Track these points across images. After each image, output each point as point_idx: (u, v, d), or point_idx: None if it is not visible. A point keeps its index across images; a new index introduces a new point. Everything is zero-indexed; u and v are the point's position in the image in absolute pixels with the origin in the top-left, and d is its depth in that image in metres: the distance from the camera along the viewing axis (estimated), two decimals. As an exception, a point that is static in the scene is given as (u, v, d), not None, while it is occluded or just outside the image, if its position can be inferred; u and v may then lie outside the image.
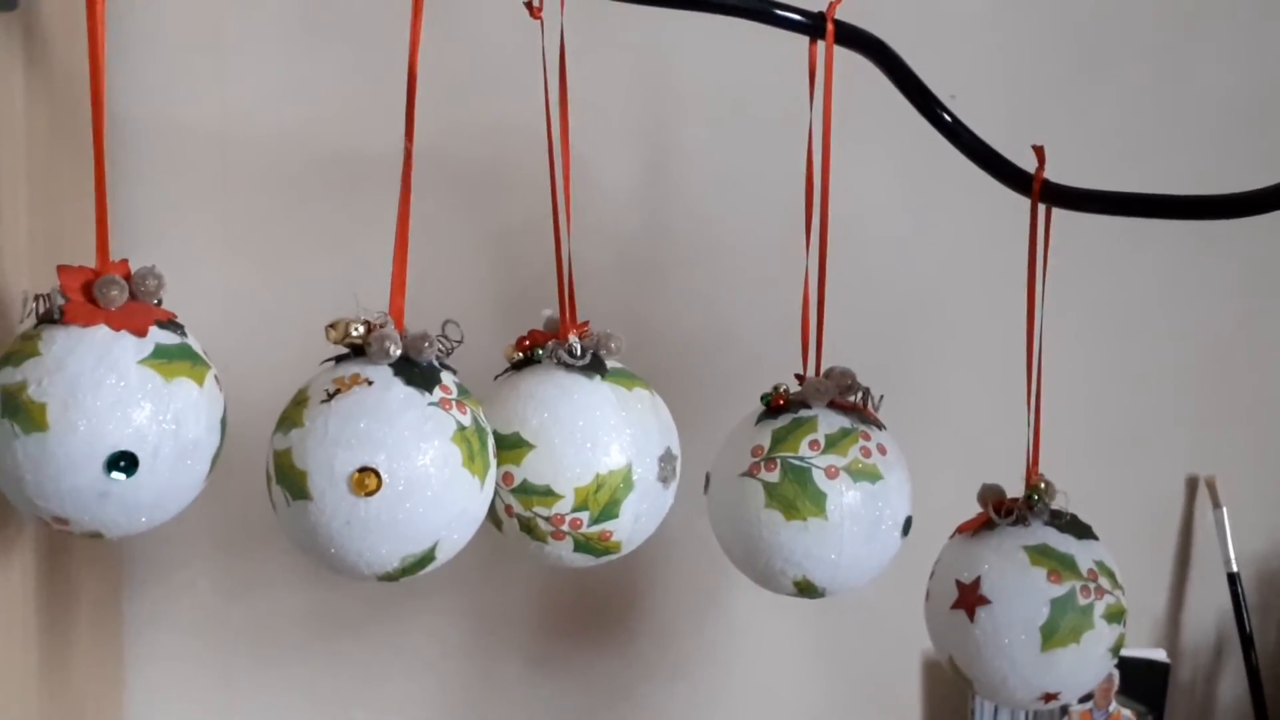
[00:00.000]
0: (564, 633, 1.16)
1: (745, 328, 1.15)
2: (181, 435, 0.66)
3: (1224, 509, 1.25)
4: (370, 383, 0.69)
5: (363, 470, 0.66)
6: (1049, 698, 0.83)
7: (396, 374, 0.69)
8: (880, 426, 0.85)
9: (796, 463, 0.81)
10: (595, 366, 0.79)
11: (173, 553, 1.06)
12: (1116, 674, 1.22)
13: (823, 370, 0.87)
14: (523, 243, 1.06)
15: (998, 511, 0.85)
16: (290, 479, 0.68)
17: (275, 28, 1.05)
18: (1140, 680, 1.23)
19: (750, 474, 0.82)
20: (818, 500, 0.81)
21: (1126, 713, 1.22)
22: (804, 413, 0.84)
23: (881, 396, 0.86)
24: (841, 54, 0.86)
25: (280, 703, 1.10)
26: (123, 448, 0.64)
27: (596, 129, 0.99)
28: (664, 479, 0.79)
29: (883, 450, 0.83)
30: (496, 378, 0.81)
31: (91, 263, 0.67)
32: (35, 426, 0.63)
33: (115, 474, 0.64)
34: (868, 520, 0.81)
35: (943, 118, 0.88)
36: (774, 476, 0.82)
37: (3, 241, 0.78)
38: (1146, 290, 1.26)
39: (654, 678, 1.18)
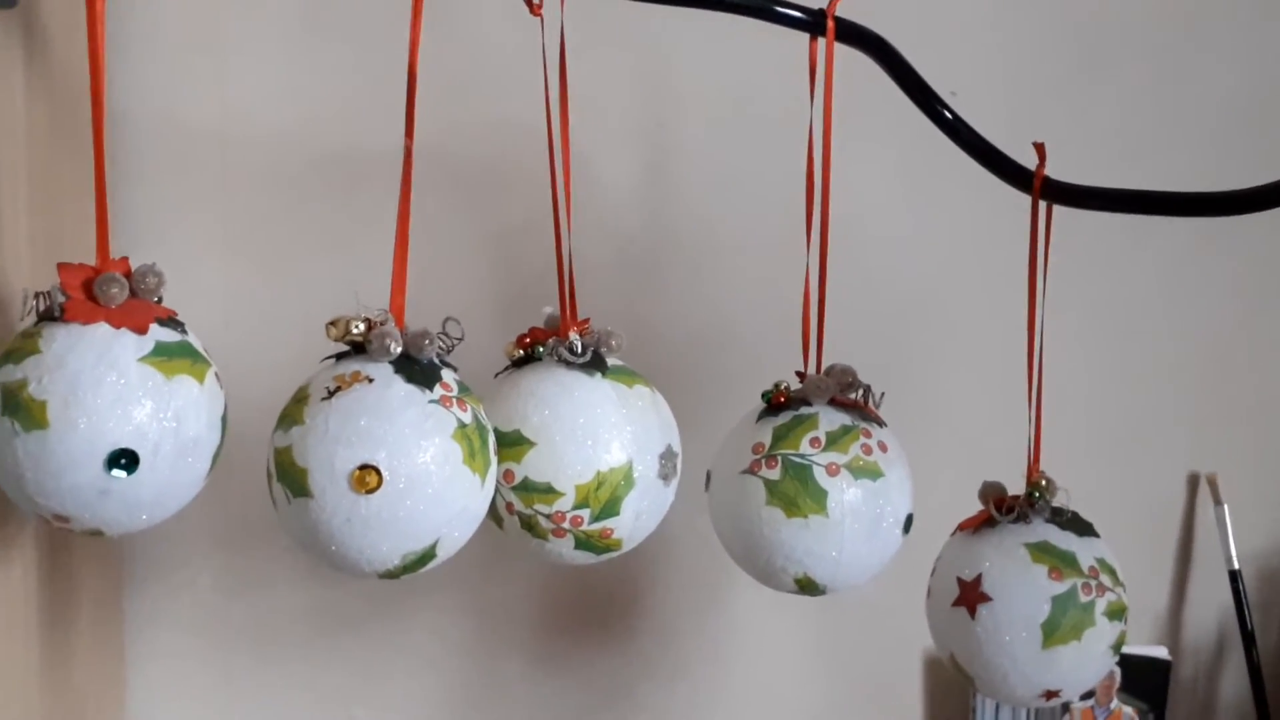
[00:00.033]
0: (565, 630, 1.16)
1: (746, 325, 1.15)
2: (182, 433, 0.66)
3: (1225, 506, 1.25)
4: (371, 380, 0.69)
5: (363, 468, 0.66)
6: (1050, 695, 0.83)
7: (397, 371, 0.69)
8: (881, 424, 0.85)
9: (797, 460, 0.81)
10: (596, 364, 0.79)
11: (173, 550, 1.06)
12: (1118, 671, 1.22)
13: (823, 368, 0.87)
14: (523, 241, 1.06)
15: (999, 509, 0.85)
16: (291, 476, 0.68)
17: (275, 27, 1.06)
18: (1141, 678, 1.23)
19: (751, 471, 0.82)
20: (819, 497, 0.81)
21: (1128, 710, 1.22)
22: (805, 410, 0.84)
23: (882, 394, 0.86)
24: (842, 52, 0.86)
25: (281, 700, 1.10)
26: (123, 445, 0.64)
27: (597, 127, 0.99)
28: (665, 476, 0.79)
29: (884, 447, 0.83)
30: (497, 375, 0.81)
31: (92, 261, 0.67)
32: (36, 424, 0.63)
33: (116, 472, 0.64)
34: (869, 518, 0.81)
35: (943, 115, 0.88)
36: (775, 474, 0.82)
37: (3, 240, 0.78)
38: (1147, 288, 1.26)
39: (655, 675, 1.18)
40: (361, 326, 0.70)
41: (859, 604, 1.08)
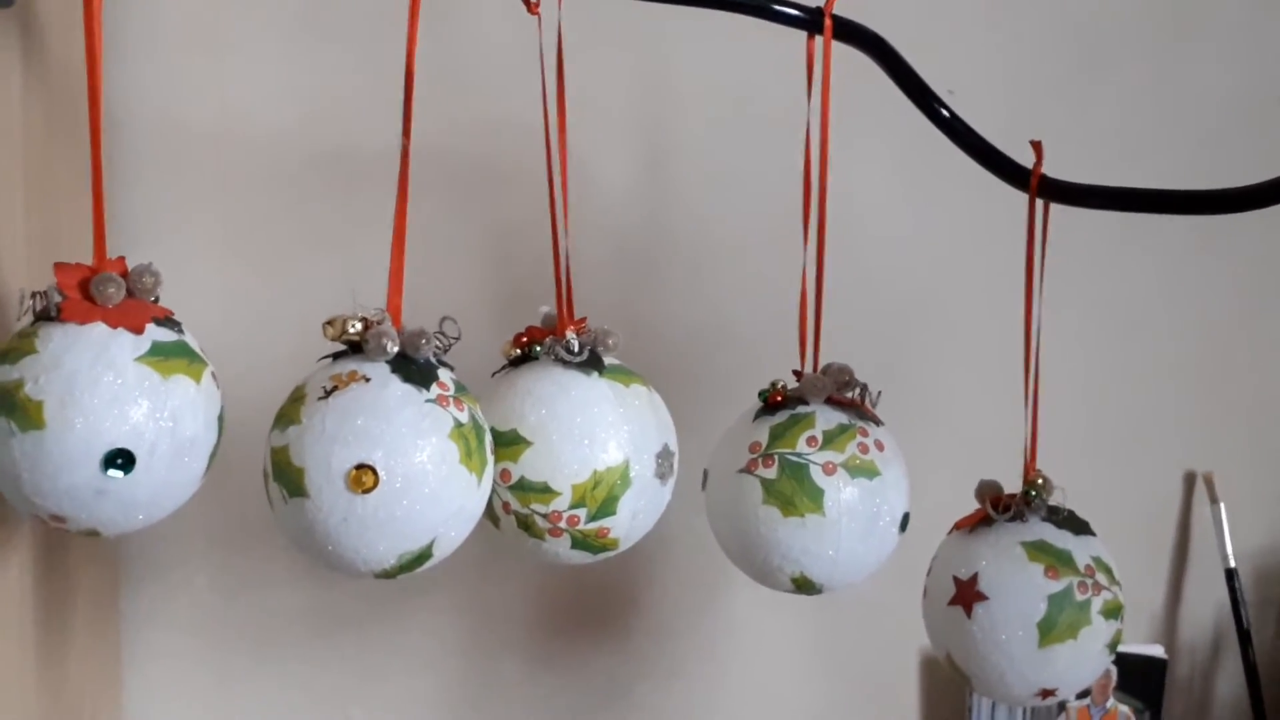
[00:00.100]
0: (562, 630, 1.16)
1: (743, 324, 1.15)
2: (179, 433, 0.66)
3: (1221, 504, 1.25)
4: (368, 380, 0.69)
5: (360, 467, 0.66)
6: (1046, 694, 0.83)
7: (394, 371, 0.69)
8: (878, 422, 0.85)
9: (794, 459, 0.81)
10: (593, 363, 0.79)
11: (170, 550, 1.06)
12: (1114, 670, 1.22)
13: (820, 366, 0.87)
14: (520, 239, 1.06)
15: (995, 507, 0.85)
16: (287, 476, 0.68)
17: (273, 27, 1.05)
18: (1138, 676, 1.23)
19: (748, 470, 0.82)
20: (815, 496, 0.81)
21: (1124, 709, 1.22)
22: (801, 409, 0.84)
23: (879, 393, 0.86)
24: (840, 50, 0.86)
25: (278, 700, 1.10)
26: (120, 445, 0.64)
27: (595, 126, 0.99)
28: (661, 476, 0.79)
29: (880, 446, 0.83)
30: (494, 374, 0.81)
31: (88, 260, 0.67)
32: (32, 424, 0.63)
33: (112, 472, 0.64)
34: (865, 516, 0.81)
35: (941, 113, 0.88)
36: (771, 473, 0.82)
37: (0, 239, 0.78)
38: (1144, 287, 1.26)
39: (652, 675, 1.18)
40: (358, 326, 0.70)
41: (855, 603, 1.08)
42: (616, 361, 0.81)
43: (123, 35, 0.99)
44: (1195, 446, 1.29)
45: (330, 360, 0.72)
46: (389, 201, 0.71)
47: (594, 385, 0.78)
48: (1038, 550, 0.83)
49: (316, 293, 0.84)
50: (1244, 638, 1.23)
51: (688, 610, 1.18)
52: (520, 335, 0.81)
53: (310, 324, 0.72)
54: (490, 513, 0.77)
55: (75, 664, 0.94)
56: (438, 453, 0.68)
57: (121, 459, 0.64)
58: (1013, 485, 0.87)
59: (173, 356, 0.66)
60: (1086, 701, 1.22)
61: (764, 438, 0.83)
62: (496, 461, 0.75)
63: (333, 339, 0.71)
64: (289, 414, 0.69)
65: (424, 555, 0.70)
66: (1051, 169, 0.86)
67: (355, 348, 0.71)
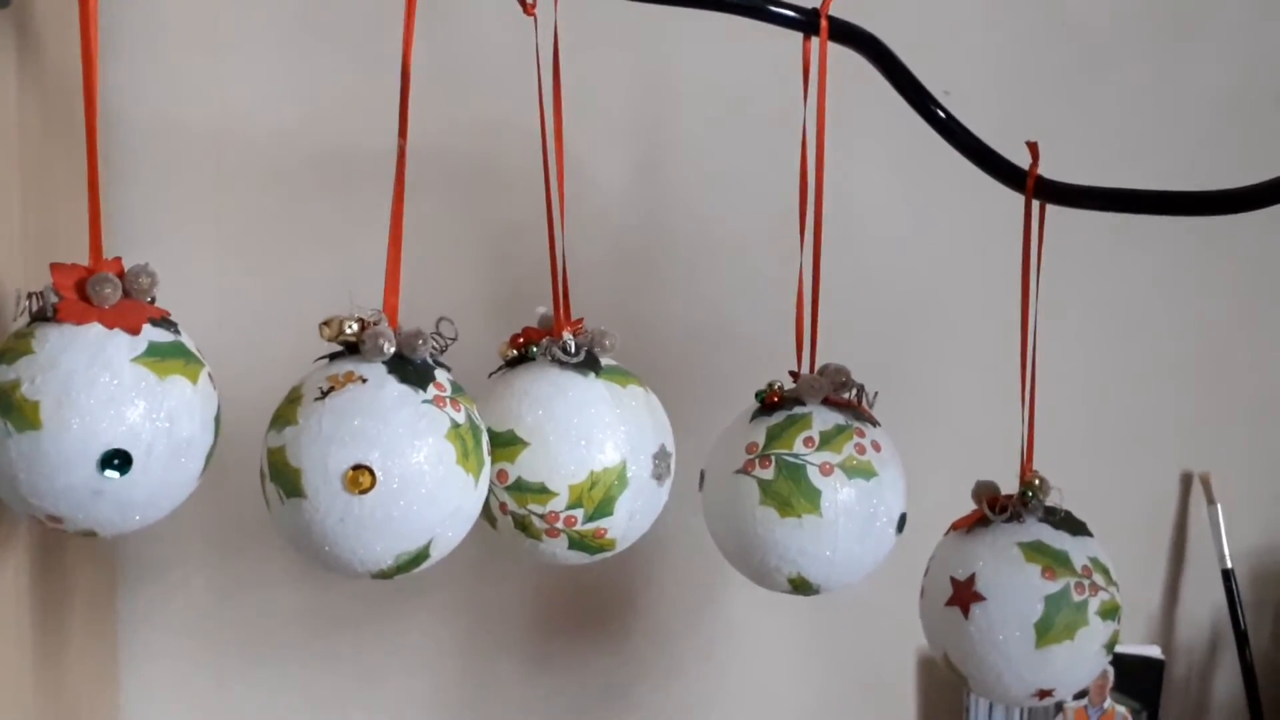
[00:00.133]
0: (559, 631, 1.16)
1: (740, 325, 1.15)
2: (175, 433, 0.66)
3: (1218, 505, 1.25)
4: (364, 380, 0.69)
5: (357, 468, 0.66)
6: (1043, 694, 0.83)
7: (390, 371, 0.69)
8: (875, 423, 0.85)
9: (791, 460, 0.81)
10: (590, 364, 0.79)
11: (167, 551, 1.06)
12: (1111, 671, 1.22)
13: (817, 367, 0.87)
14: (517, 240, 1.06)
15: (992, 508, 0.85)
16: (284, 477, 0.68)
17: (271, 26, 1.05)
18: (1135, 677, 1.23)
19: (745, 471, 0.82)
20: (812, 497, 0.81)
21: (1121, 709, 1.22)
22: (798, 410, 0.84)
23: (876, 393, 0.86)
24: (837, 51, 0.86)
25: (275, 701, 1.10)
26: (116, 446, 0.64)
27: (591, 126, 0.99)
28: (658, 476, 0.79)
29: (877, 447, 0.83)
30: (491, 375, 0.81)
31: (85, 261, 0.67)
32: (28, 425, 0.63)
33: (109, 472, 0.64)
34: (862, 517, 0.81)
35: (937, 114, 0.88)
36: (768, 473, 0.82)
37: (-4, 240, 0.78)
38: (1143, 287, 1.26)
39: (649, 676, 1.18)
40: (355, 326, 0.70)
41: (853, 604, 1.08)
42: (613, 362, 0.81)
43: (120, 34, 0.99)
44: (1192, 447, 1.29)
45: (327, 361, 0.72)
46: (386, 202, 0.71)
47: (591, 386, 0.78)
48: (1035, 551, 0.83)
49: (313, 293, 0.84)
50: (1241, 638, 1.23)
51: (685, 611, 1.18)
52: (517, 336, 0.81)
53: (307, 324, 0.72)
54: (487, 513, 0.77)
55: (72, 665, 0.94)
56: (434, 453, 0.68)
57: (118, 459, 0.64)
58: (1010, 486, 0.87)
59: (169, 357, 0.66)
60: (1084, 702, 1.22)
61: (761, 438, 0.83)
62: (494, 462, 0.75)
63: (329, 339, 0.71)
64: (286, 414, 0.69)
65: (421, 556, 0.70)
66: (1050, 169, 0.86)
67: (352, 348, 0.71)
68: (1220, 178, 0.80)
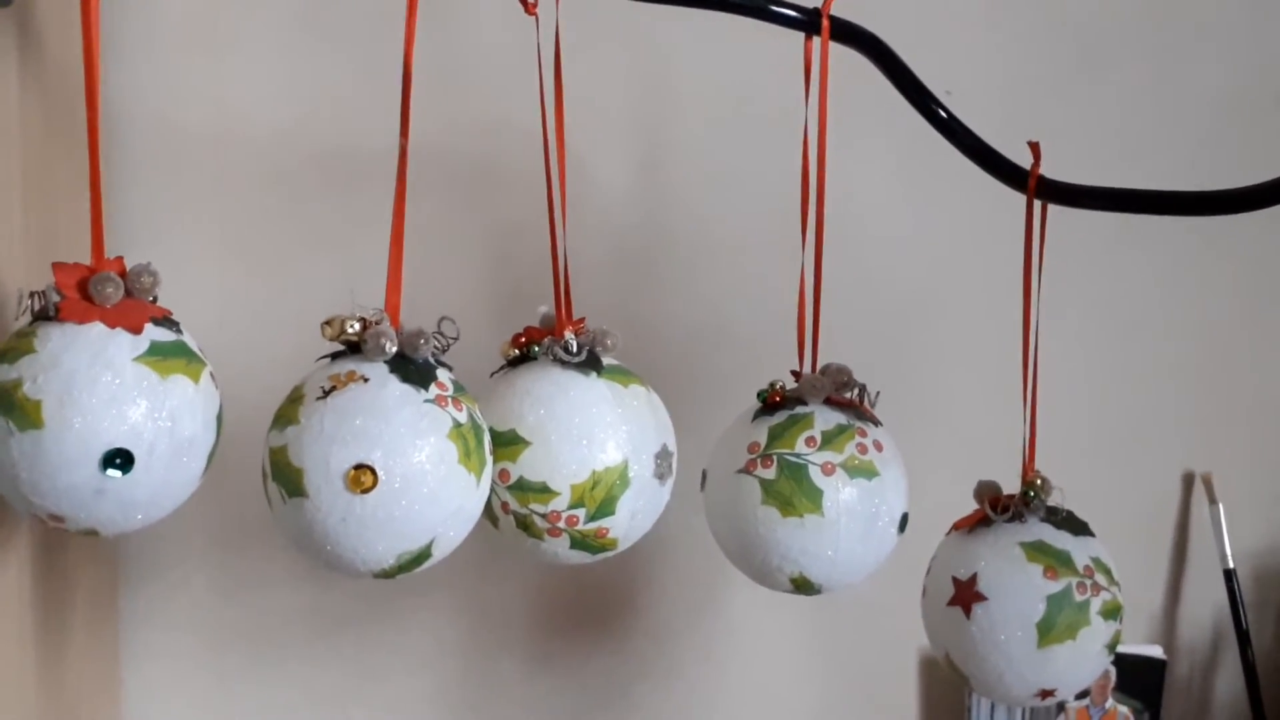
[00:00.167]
0: (560, 630, 1.16)
1: (742, 325, 1.15)
2: (177, 432, 0.66)
3: (1220, 505, 1.25)
4: (366, 380, 0.69)
5: (359, 467, 0.66)
6: (1045, 694, 0.83)
7: (392, 371, 0.69)
8: (876, 423, 0.85)
9: (793, 459, 0.81)
10: (591, 363, 0.79)
11: (168, 550, 1.06)
12: (1113, 670, 1.22)
13: (819, 367, 0.87)
14: (519, 240, 1.06)
15: (994, 508, 0.85)
16: (286, 476, 0.68)
17: (272, 27, 1.05)
18: (1137, 677, 1.23)
19: (746, 471, 0.82)
20: (814, 497, 0.81)
21: (1123, 709, 1.22)
22: (800, 409, 0.84)
23: (878, 393, 0.86)
24: (838, 51, 0.86)
25: (277, 701, 1.10)
26: (118, 445, 0.64)
27: (593, 126, 0.99)
28: (660, 476, 0.79)
29: (879, 447, 0.83)
30: (493, 375, 0.81)
31: (87, 260, 0.67)
32: (30, 424, 0.63)
33: (111, 471, 0.64)
34: (864, 517, 0.81)
35: (938, 114, 0.88)
36: (770, 473, 0.82)
37: (-2, 239, 0.78)
38: (1144, 287, 1.26)
39: (650, 675, 1.18)
40: (357, 326, 0.70)
41: (854, 603, 1.08)
42: (615, 362, 0.81)
43: (121, 35, 0.99)
44: (1194, 447, 1.29)
45: (329, 360, 0.72)
46: (387, 201, 0.71)
47: (592, 385, 0.78)
48: (1036, 551, 0.83)
49: (315, 292, 0.84)
50: (1243, 638, 1.23)
51: (686, 610, 1.18)
52: (519, 335, 0.81)
53: (309, 324, 0.72)
54: (489, 513, 0.77)
55: (74, 664, 0.94)
56: (436, 453, 0.68)
57: (120, 459, 0.64)
58: (1011, 486, 0.87)
59: (171, 356, 0.66)
60: (1085, 702, 1.22)
61: (763, 438, 0.83)
62: (495, 461, 0.75)
63: (331, 339, 0.71)
64: (287, 414, 0.69)
65: (423, 555, 0.70)
66: (1050, 169, 0.86)
67: (354, 348, 0.71)
68: (1220, 178, 0.80)
